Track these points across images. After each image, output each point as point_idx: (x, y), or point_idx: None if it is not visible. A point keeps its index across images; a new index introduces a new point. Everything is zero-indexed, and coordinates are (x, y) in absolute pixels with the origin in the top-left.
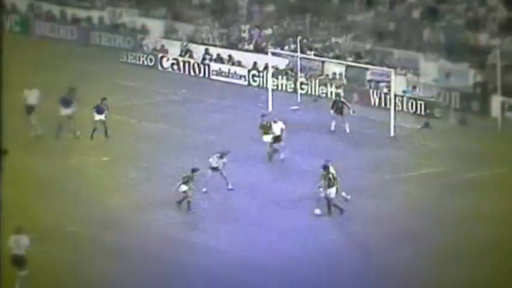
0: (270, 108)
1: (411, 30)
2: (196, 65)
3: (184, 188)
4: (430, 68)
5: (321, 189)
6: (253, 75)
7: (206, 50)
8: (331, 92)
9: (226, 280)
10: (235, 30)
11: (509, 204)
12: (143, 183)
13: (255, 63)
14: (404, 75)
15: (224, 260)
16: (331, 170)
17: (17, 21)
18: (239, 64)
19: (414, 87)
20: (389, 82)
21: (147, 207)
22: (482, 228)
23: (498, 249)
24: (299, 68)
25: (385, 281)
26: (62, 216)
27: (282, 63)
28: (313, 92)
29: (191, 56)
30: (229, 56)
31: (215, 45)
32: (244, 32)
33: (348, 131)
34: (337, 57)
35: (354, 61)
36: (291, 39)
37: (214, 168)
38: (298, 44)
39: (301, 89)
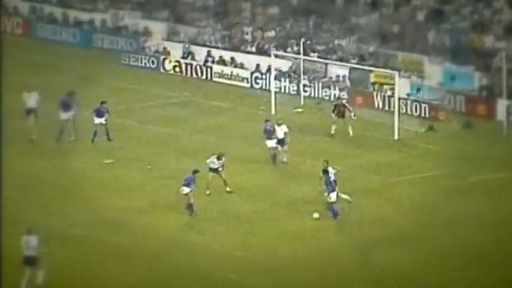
0: (273, 111)
1: (416, 32)
2: (198, 67)
3: (186, 190)
4: (435, 70)
5: (326, 194)
6: (256, 78)
7: (208, 52)
8: (335, 95)
9: (229, 282)
10: (237, 32)
11: None
12: (146, 185)
13: (257, 65)
14: (409, 77)
15: (226, 263)
16: (331, 174)
17: (18, 24)
18: (242, 66)
19: (418, 90)
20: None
21: (151, 210)
22: (485, 232)
23: (501, 253)
24: (302, 70)
25: (386, 283)
26: (65, 219)
27: (285, 65)
28: (316, 95)
29: (193, 58)
30: (232, 58)
31: (217, 48)
32: (247, 34)
33: (351, 134)
34: (340, 59)
35: (357, 63)
36: (294, 41)
37: (214, 170)
38: (302, 46)
39: (304, 91)
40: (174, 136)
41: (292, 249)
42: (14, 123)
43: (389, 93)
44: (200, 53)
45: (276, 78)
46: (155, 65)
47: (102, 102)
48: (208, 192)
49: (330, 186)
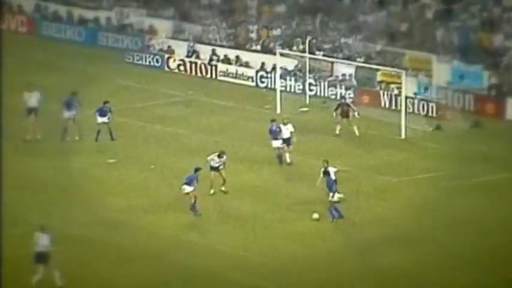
0: (278, 110)
1: (424, 30)
2: (203, 66)
3: (187, 189)
4: (443, 69)
5: (330, 194)
6: (261, 76)
7: (213, 50)
8: (341, 94)
9: (232, 282)
10: (242, 31)
11: None
12: (149, 185)
13: (262, 64)
14: (416, 76)
15: (229, 263)
16: (332, 174)
17: (23, 22)
18: (247, 65)
19: (426, 89)
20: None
21: (153, 210)
22: (494, 232)
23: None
24: (308, 69)
25: (389, 284)
26: (67, 219)
27: (290, 64)
28: (322, 94)
29: (198, 57)
30: (237, 57)
31: (222, 46)
32: (252, 32)
33: (357, 133)
34: (347, 58)
35: (364, 62)
36: (299, 40)
37: (214, 168)
38: (307, 45)
39: (310, 90)
40: (178, 135)
41: (296, 250)
42: (17, 122)
43: (396, 92)
44: (205, 51)
45: (281, 77)
46: (159, 64)
47: (105, 102)
48: (212, 191)
49: (333, 187)
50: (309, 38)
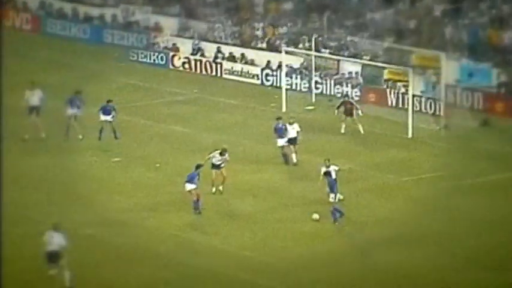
0: (284, 109)
1: (432, 28)
2: (208, 64)
3: (190, 187)
4: (452, 67)
5: (331, 195)
6: (267, 74)
7: (218, 48)
8: (347, 92)
9: (238, 282)
10: (248, 28)
11: None
12: (155, 184)
13: (268, 61)
14: (423, 74)
15: (235, 262)
16: (333, 173)
17: (28, 20)
18: (252, 63)
19: (434, 87)
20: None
21: (158, 209)
22: (503, 232)
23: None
24: (314, 66)
25: (397, 283)
26: (70, 218)
27: (296, 62)
28: (328, 92)
29: (203, 55)
30: (242, 55)
31: (227, 44)
32: (257, 30)
33: (362, 131)
34: (353, 56)
35: (370, 60)
36: (305, 38)
37: (216, 166)
38: (313, 42)
39: (316, 88)
40: (183, 134)
41: (301, 250)
42: (22, 120)
43: (403, 90)
44: (210, 49)
45: (287, 75)
46: (164, 62)
47: (108, 101)
48: (214, 189)
49: (334, 187)
50: (315, 35)
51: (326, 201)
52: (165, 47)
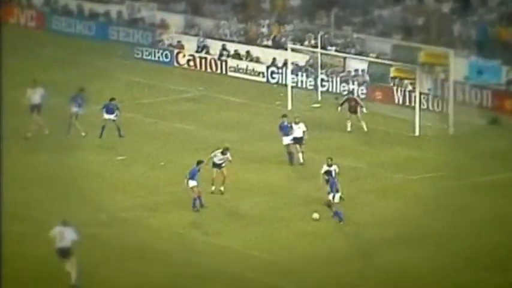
0: (289, 106)
1: (441, 25)
2: (213, 61)
3: (192, 183)
4: (461, 64)
5: (330, 195)
6: (272, 72)
7: (223, 45)
8: (353, 90)
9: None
10: (253, 26)
11: None
12: (159, 182)
13: (273, 59)
14: (430, 72)
15: (241, 261)
16: (334, 173)
17: (32, 17)
18: (257, 60)
19: (442, 85)
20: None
21: (163, 207)
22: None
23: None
24: (320, 64)
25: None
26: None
27: (302, 59)
28: (334, 90)
29: (208, 52)
30: (247, 52)
31: (233, 41)
32: (263, 27)
33: (365, 129)
34: (359, 53)
35: (377, 57)
36: (311, 35)
37: (217, 165)
38: (319, 40)
39: (322, 86)
40: (187, 132)
41: (306, 248)
42: (26, 118)
43: (410, 88)
44: (215, 46)
45: (292, 72)
46: (169, 59)
47: (111, 99)
48: (213, 188)
49: (334, 186)
50: (321, 33)
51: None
52: (170, 45)
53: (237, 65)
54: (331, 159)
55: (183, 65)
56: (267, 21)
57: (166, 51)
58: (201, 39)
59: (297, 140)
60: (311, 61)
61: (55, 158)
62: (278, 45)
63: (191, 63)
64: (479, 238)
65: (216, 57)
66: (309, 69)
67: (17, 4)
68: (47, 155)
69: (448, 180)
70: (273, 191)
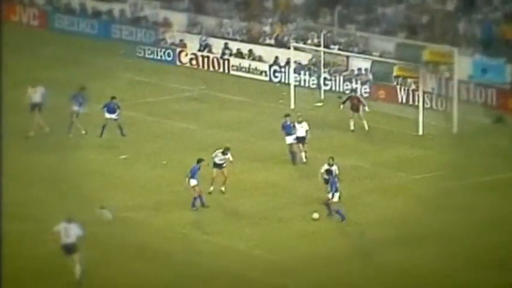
0: (292, 105)
1: (445, 23)
2: (215, 60)
3: (194, 182)
4: (465, 63)
5: (330, 194)
6: (275, 71)
7: (226, 44)
8: (356, 88)
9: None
10: (256, 24)
11: None
12: (162, 181)
13: (276, 58)
14: (434, 71)
15: (244, 261)
16: (335, 172)
17: (35, 15)
18: (260, 59)
19: (446, 84)
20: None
21: (165, 207)
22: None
23: None
24: (322, 63)
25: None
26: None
27: (304, 58)
28: (337, 89)
29: (210, 51)
30: (250, 51)
31: (235, 40)
32: (266, 25)
33: (366, 128)
34: (362, 52)
35: (380, 56)
36: (314, 33)
37: (218, 165)
38: (322, 38)
39: (325, 85)
40: (190, 131)
41: (309, 248)
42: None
43: (413, 87)
44: (217, 45)
45: (295, 71)
46: (171, 58)
47: (112, 98)
48: (211, 189)
49: (334, 185)
50: (324, 31)
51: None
52: (172, 43)
53: (240, 64)
54: (333, 159)
55: (186, 63)
56: (269, 20)
57: (169, 50)
58: (204, 38)
59: (300, 139)
60: (314, 60)
61: (56, 157)
62: (281, 43)
63: (193, 62)
64: (481, 237)
65: (218, 56)
66: (311, 68)
67: (19, 2)
68: (48, 154)
69: (451, 180)
70: (275, 190)
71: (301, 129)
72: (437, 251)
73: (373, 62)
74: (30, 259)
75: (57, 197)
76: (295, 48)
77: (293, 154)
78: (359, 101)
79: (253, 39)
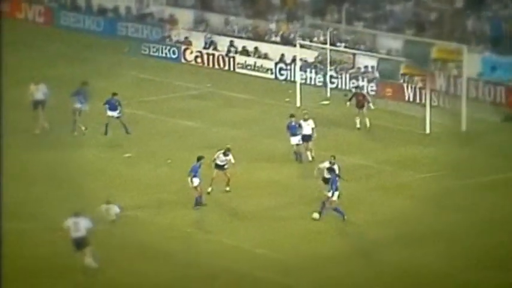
0: (298, 103)
1: (454, 20)
2: (220, 58)
3: (196, 182)
4: (474, 60)
5: (329, 193)
6: (281, 69)
7: (231, 42)
8: (363, 86)
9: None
10: (262, 21)
11: None
12: (165, 180)
13: (282, 55)
14: (441, 69)
15: (247, 260)
16: (336, 171)
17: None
18: (265, 57)
19: (455, 82)
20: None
21: (170, 205)
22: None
23: None
24: (329, 60)
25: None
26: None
27: (310, 55)
28: (343, 86)
29: (215, 49)
30: (255, 48)
31: (241, 37)
32: (271, 23)
33: (368, 125)
34: (369, 49)
35: (387, 54)
36: (320, 31)
37: (219, 167)
38: (328, 36)
39: (331, 83)
40: (194, 129)
41: (313, 247)
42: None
43: (420, 84)
44: (223, 43)
45: (301, 69)
46: (176, 56)
47: (113, 94)
48: (210, 189)
49: (334, 184)
50: (330, 29)
51: (340, 199)
52: (177, 41)
53: (245, 62)
54: (334, 158)
55: (191, 61)
56: (275, 17)
57: (174, 48)
58: (209, 36)
59: (306, 137)
60: (320, 57)
61: (58, 156)
62: (287, 41)
63: (199, 59)
64: (482, 237)
65: (223, 53)
66: (317, 65)
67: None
68: (50, 152)
69: (458, 179)
70: (280, 189)
71: (308, 127)
72: (438, 250)
73: (380, 59)
74: (30, 259)
75: (59, 196)
76: (301, 46)
77: (297, 155)
78: (364, 97)
79: (259, 36)
